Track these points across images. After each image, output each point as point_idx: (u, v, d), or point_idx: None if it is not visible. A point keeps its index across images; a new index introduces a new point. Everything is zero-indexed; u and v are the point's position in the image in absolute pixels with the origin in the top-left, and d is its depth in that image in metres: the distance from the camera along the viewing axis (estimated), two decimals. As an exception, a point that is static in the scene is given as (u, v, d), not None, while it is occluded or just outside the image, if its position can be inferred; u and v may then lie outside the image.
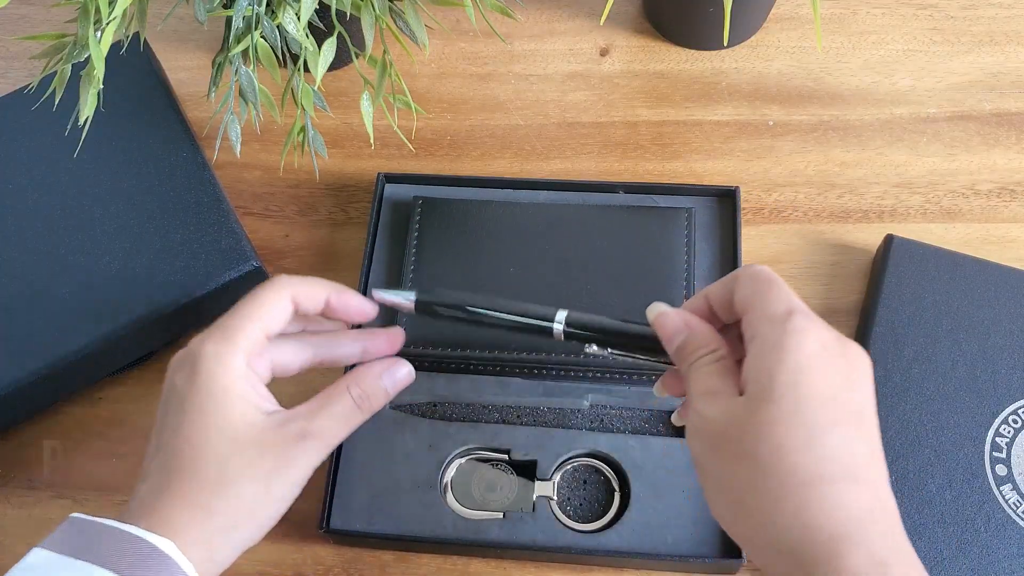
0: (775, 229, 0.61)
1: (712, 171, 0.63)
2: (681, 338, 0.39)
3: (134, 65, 0.62)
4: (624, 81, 0.67)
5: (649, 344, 0.41)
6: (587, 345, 0.42)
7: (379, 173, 0.61)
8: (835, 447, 0.32)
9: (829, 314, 0.57)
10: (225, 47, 0.51)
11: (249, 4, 0.49)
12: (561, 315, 0.42)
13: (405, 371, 0.46)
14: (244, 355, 0.41)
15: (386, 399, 0.45)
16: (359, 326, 0.51)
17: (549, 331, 0.43)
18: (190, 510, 0.38)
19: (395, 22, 0.54)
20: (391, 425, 0.53)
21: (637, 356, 0.42)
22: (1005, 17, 0.68)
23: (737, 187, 0.59)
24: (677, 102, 0.66)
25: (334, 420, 0.42)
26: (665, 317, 0.40)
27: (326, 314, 0.45)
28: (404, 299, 0.46)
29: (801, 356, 0.34)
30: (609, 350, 0.42)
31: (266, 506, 0.39)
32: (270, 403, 0.42)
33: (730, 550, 0.49)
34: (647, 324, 0.41)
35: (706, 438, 0.35)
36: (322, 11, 0.55)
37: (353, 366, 0.47)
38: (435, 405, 0.54)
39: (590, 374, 0.54)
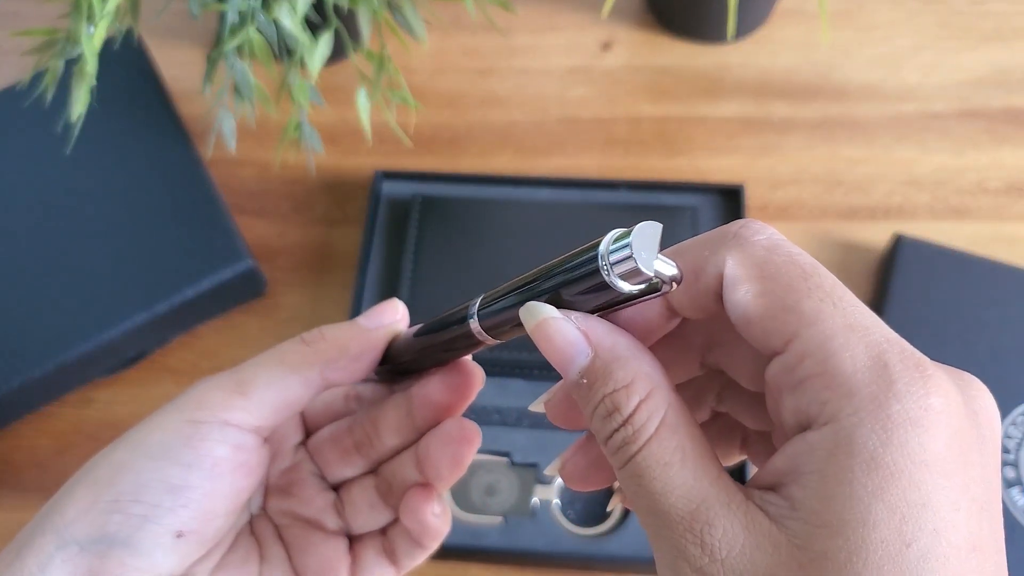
0: (781, 227, 0.59)
1: (716, 168, 0.62)
2: (582, 362, 0.23)
3: (127, 61, 0.61)
4: (627, 76, 0.66)
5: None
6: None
7: (376, 170, 0.60)
8: None
9: (835, 314, 0.56)
10: (219, 42, 0.50)
11: (243, -2, 0.48)
12: (473, 307, 0.28)
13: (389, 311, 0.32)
14: None
15: (363, 350, 0.31)
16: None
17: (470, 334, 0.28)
18: None
19: (392, 16, 0.53)
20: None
21: None
22: (1014, 13, 0.67)
23: (742, 184, 0.58)
24: (681, 97, 0.65)
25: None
26: (551, 327, 0.23)
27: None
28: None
29: (928, 477, 0.19)
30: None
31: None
32: None
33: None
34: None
35: None
36: (318, 4, 0.54)
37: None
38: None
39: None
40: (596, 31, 0.68)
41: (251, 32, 0.49)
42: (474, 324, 0.27)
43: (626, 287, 0.22)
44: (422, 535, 0.32)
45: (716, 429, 0.28)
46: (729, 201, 0.58)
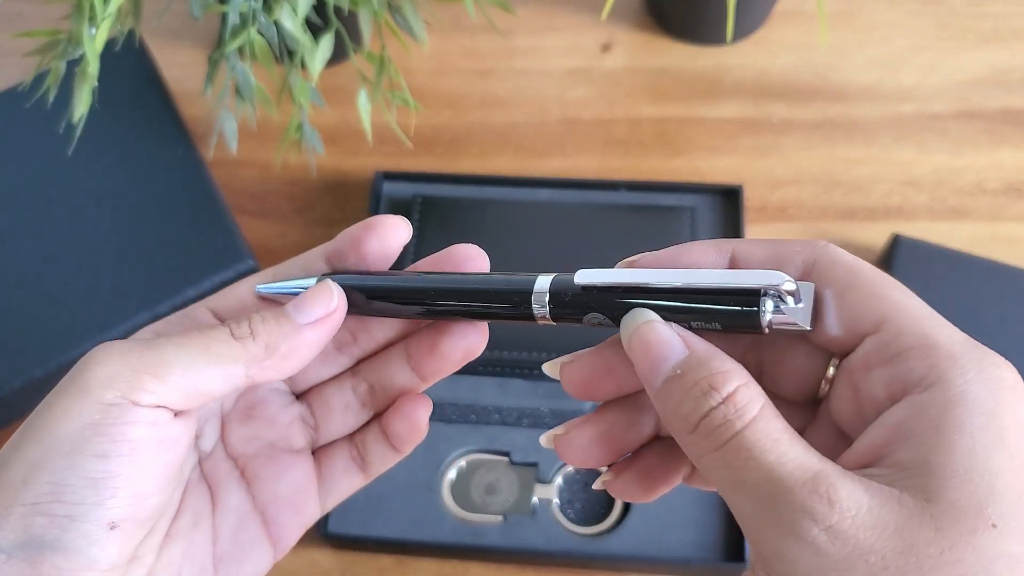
0: (779, 228, 0.60)
1: (715, 169, 0.62)
2: (677, 358, 0.24)
3: (129, 62, 0.61)
4: (626, 77, 0.67)
5: (707, 306, 0.26)
6: (589, 315, 0.27)
7: (377, 171, 0.60)
8: None
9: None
10: (221, 43, 0.50)
11: (244, 0, 0.49)
12: (544, 280, 0.28)
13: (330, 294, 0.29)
14: None
15: (293, 349, 0.28)
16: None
17: (526, 307, 0.28)
18: None
19: (393, 17, 0.53)
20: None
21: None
22: (1012, 14, 0.67)
23: (741, 185, 0.58)
24: (680, 98, 0.65)
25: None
26: (654, 329, 0.25)
27: None
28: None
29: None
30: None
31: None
32: None
33: (733, 554, 0.49)
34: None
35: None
36: (319, 6, 0.54)
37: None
38: (434, 406, 0.53)
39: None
40: (596, 32, 0.69)
41: (252, 33, 0.49)
42: (540, 310, 0.28)
43: (767, 328, 0.25)
44: (407, 441, 0.32)
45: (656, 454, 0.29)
46: (728, 202, 0.58)
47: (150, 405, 0.26)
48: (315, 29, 0.52)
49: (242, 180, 0.63)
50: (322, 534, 0.50)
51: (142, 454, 0.26)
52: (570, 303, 0.27)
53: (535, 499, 0.50)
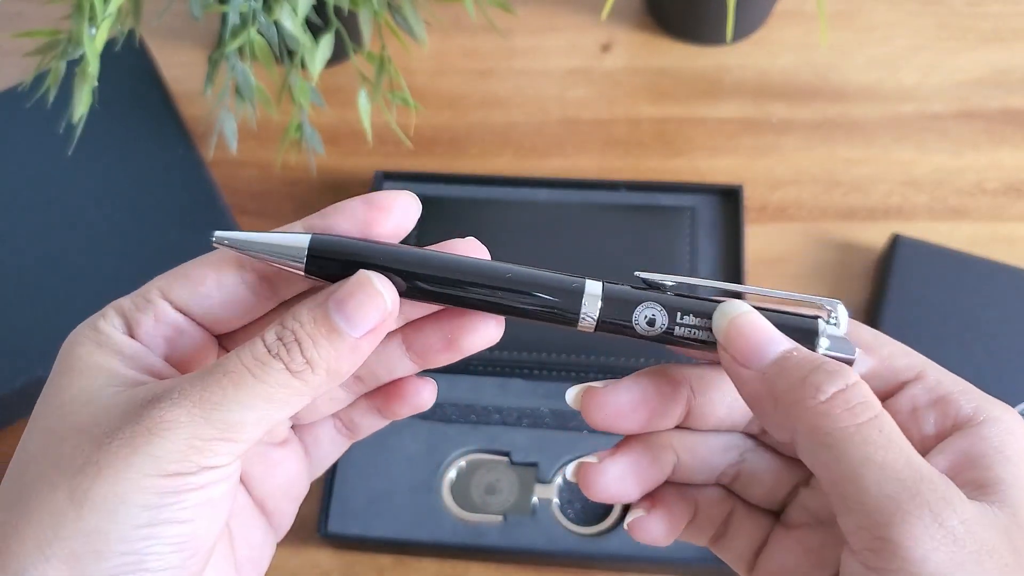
0: (779, 228, 0.60)
1: (715, 169, 0.62)
2: (787, 344, 0.26)
3: (129, 62, 0.61)
4: (626, 77, 0.67)
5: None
6: (637, 319, 0.27)
7: (376, 171, 0.60)
8: None
9: (834, 314, 0.56)
10: (221, 43, 0.50)
11: (245, 0, 0.49)
12: (595, 286, 0.27)
13: (382, 291, 0.26)
14: (120, 317, 0.28)
15: (352, 366, 0.26)
16: None
17: (571, 313, 0.27)
18: None
19: (393, 17, 0.53)
20: (389, 427, 0.52)
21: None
22: (1012, 14, 0.67)
23: (740, 185, 0.58)
24: (680, 98, 0.65)
25: (227, 380, 0.25)
26: (754, 317, 0.26)
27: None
28: (283, 251, 0.26)
29: None
30: (680, 326, 0.27)
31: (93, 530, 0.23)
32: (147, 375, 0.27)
33: (733, 555, 0.49)
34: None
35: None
36: (319, 6, 0.54)
37: None
38: (434, 407, 0.53)
39: (592, 375, 0.53)
40: (596, 33, 0.69)
41: (252, 34, 0.49)
42: (587, 321, 0.27)
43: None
44: (404, 415, 0.31)
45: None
46: (728, 202, 0.58)
47: (225, 465, 0.25)
48: (315, 29, 0.52)
49: (242, 180, 0.63)
50: (322, 534, 0.50)
51: (220, 507, 0.25)
52: (620, 307, 0.27)
53: (535, 499, 0.50)
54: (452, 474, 0.51)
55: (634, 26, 0.69)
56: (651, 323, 0.27)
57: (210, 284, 0.28)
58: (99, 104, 0.55)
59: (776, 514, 0.30)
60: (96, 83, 0.47)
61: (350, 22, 0.56)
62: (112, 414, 0.24)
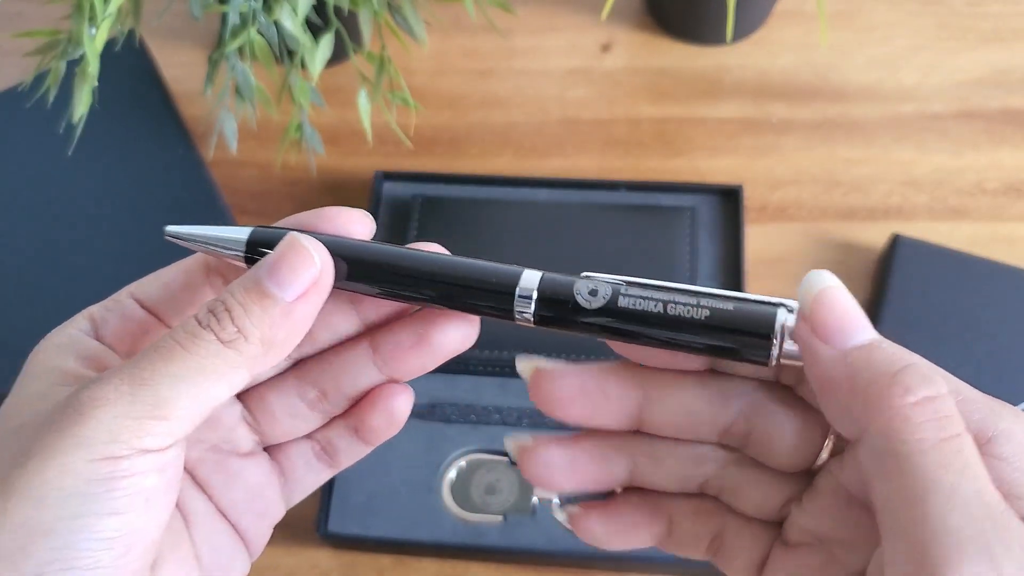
0: (779, 228, 0.60)
1: (715, 169, 0.62)
2: (872, 336, 0.23)
3: (129, 62, 0.61)
4: (626, 77, 0.67)
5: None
6: (579, 290, 0.25)
7: (377, 171, 0.60)
8: None
9: (834, 314, 0.56)
10: (221, 43, 0.50)
11: (245, 0, 0.49)
12: (531, 277, 0.26)
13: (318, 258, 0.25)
14: (88, 320, 0.28)
15: (290, 335, 0.25)
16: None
17: (508, 288, 0.26)
18: None
19: (393, 17, 0.53)
20: (389, 427, 0.53)
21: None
22: (1012, 14, 0.67)
23: (740, 185, 0.58)
24: (680, 98, 0.65)
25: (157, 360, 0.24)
26: (843, 293, 0.24)
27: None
28: (225, 243, 0.27)
29: None
30: (625, 296, 0.25)
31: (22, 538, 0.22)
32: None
33: (733, 555, 0.49)
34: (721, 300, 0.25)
35: None
36: (319, 6, 0.54)
37: None
38: (433, 406, 0.53)
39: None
40: (596, 33, 0.69)
41: (252, 34, 0.49)
42: (525, 310, 0.25)
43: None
44: (383, 436, 0.29)
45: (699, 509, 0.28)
46: (728, 202, 0.58)
47: (161, 448, 0.23)
48: (315, 29, 0.52)
49: (242, 180, 0.63)
50: (321, 534, 0.50)
51: (156, 501, 0.23)
52: (559, 283, 0.25)
53: (535, 499, 0.50)
54: (452, 474, 0.51)
55: (634, 26, 0.69)
56: (593, 293, 0.25)
57: (178, 284, 0.27)
58: (99, 104, 0.55)
59: (778, 526, 0.28)
60: (96, 83, 0.47)
61: (350, 22, 0.56)
62: (54, 408, 0.23)
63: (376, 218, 0.59)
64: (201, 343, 0.24)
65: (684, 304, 0.24)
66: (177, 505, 0.26)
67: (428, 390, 0.53)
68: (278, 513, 0.30)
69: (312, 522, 0.50)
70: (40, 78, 0.57)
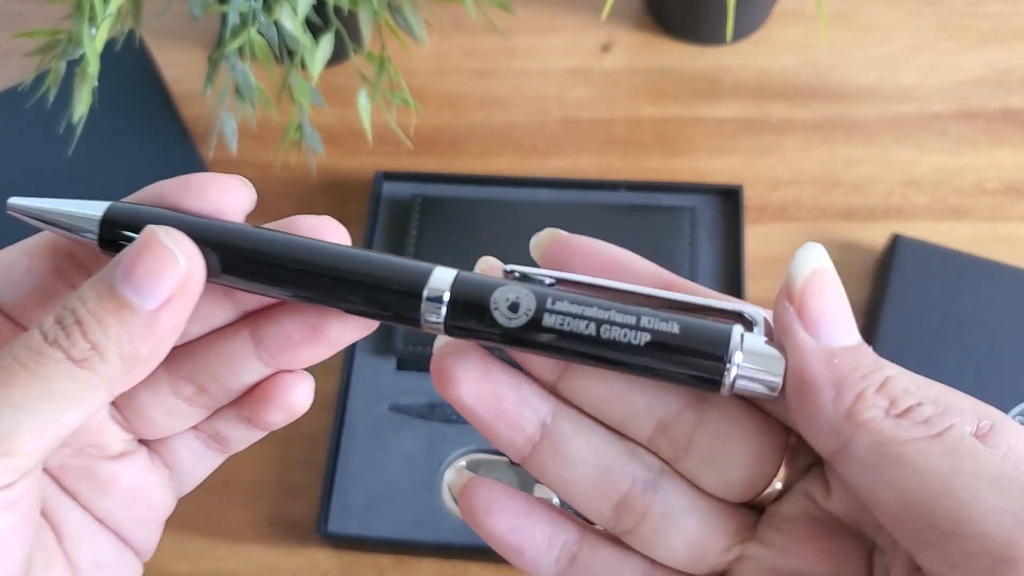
0: (779, 228, 0.60)
1: (715, 169, 0.62)
2: (855, 337, 0.21)
3: (129, 62, 0.61)
4: (626, 77, 0.67)
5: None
6: (497, 302, 0.22)
7: (377, 171, 0.60)
8: None
9: (834, 314, 0.56)
10: (221, 43, 0.50)
11: (245, 0, 0.49)
12: (444, 276, 0.22)
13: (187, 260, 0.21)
14: None
15: (155, 347, 0.21)
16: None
17: (415, 291, 0.22)
18: None
19: (393, 17, 0.53)
20: (388, 427, 0.53)
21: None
22: (1012, 14, 0.67)
23: (741, 185, 0.58)
24: (680, 98, 0.65)
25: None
26: (834, 280, 0.22)
27: None
28: (77, 221, 0.23)
29: None
30: (551, 314, 0.22)
31: None
32: None
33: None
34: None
35: None
36: (319, 6, 0.54)
37: None
38: (433, 406, 0.53)
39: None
40: (596, 33, 0.69)
41: (252, 34, 0.49)
42: (434, 316, 0.22)
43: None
44: (280, 424, 0.25)
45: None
46: (728, 202, 0.58)
47: (6, 485, 0.20)
48: (315, 29, 0.52)
49: (242, 180, 0.63)
50: (322, 534, 0.49)
51: (11, 541, 0.20)
52: (475, 288, 0.22)
53: (535, 499, 0.50)
54: (452, 474, 0.51)
55: (634, 26, 0.69)
56: (514, 309, 0.21)
57: (20, 271, 0.23)
58: (99, 104, 0.55)
59: None
60: (96, 83, 0.47)
61: (350, 22, 0.56)
62: None
63: (376, 218, 0.59)
64: (48, 363, 0.20)
65: (620, 326, 0.21)
66: (46, 517, 0.24)
67: (428, 390, 0.53)
68: (166, 510, 0.26)
69: (312, 522, 0.50)
70: (40, 78, 0.57)
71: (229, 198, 0.24)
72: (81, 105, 0.47)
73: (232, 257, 0.22)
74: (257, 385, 0.24)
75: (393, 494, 0.51)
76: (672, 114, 0.65)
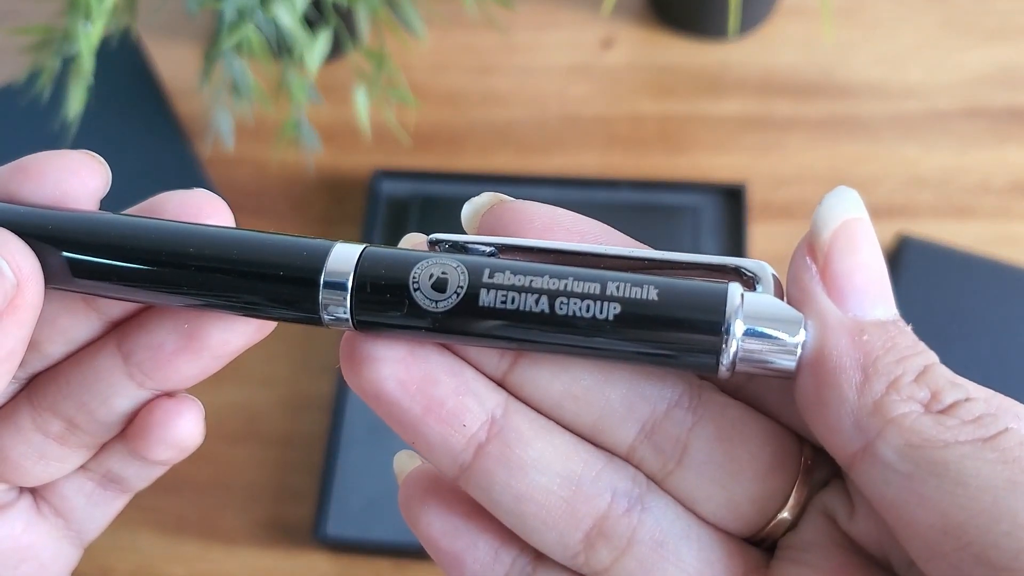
0: (783, 227, 0.59)
1: (719, 166, 0.61)
2: (894, 310, 0.17)
3: (124, 59, 0.61)
4: (628, 74, 0.66)
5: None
6: (418, 279, 0.17)
7: (375, 168, 0.59)
8: None
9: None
10: (217, 40, 0.50)
11: (241, -5, 0.48)
12: (347, 253, 0.17)
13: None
14: None
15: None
16: None
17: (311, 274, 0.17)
18: None
19: (392, 13, 0.53)
20: (387, 429, 0.52)
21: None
22: (1018, 11, 0.67)
23: (744, 183, 0.57)
24: (682, 95, 0.65)
25: None
26: (868, 228, 0.17)
27: None
28: None
29: None
30: (489, 288, 0.17)
31: None
32: None
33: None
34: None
35: None
36: (316, 2, 0.54)
37: None
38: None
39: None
40: (597, 28, 0.68)
41: (249, 30, 0.49)
42: (338, 308, 0.16)
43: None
44: (174, 459, 0.20)
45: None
46: (731, 200, 0.58)
47: None
48: (313, 25, 0.52)
49: (238, 178, 0.62)
50: (319, 538, 0.49)
51: None
52: (392, 299, 0.16)
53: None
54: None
55: (636, 22, 0.68)
56: (440, 287, 0.16)
57: None
58: (94, 101, 0.54)
59: None
60: (91, 80, 0.46)
61: (348, 18, 0.55)
62: None
63: (375, 216, 0.58)
64: None
65: (581, 297, 0.16)
66: None
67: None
68: (64, 564, 0.22)
69: (309, 526, 0.50)
70: (35, 75, 0.57)
71: (76, 179, 0.19)
72: (76, 102, 0.46)
73: (81, 255, 0.18)
74: (138, 416, 0.20)
75: (391, 497, 0.50)
76: (675, 111, 0.64)
